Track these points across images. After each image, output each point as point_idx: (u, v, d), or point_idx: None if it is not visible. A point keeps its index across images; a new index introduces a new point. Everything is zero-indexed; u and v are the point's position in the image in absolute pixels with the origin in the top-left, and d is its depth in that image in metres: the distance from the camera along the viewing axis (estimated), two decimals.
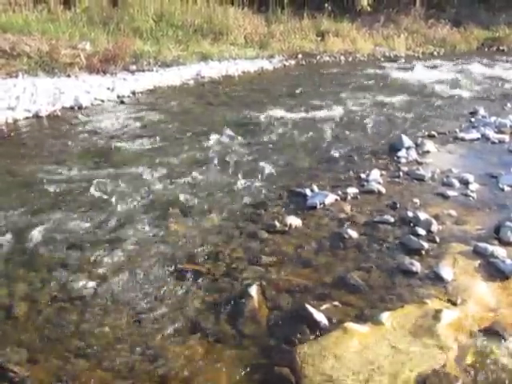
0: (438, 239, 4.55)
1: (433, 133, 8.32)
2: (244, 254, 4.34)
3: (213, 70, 13.85)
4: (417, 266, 4.05)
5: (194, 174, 6.14)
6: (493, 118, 9.37)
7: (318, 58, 18.16)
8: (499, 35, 24.93)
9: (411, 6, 24.19)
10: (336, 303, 3.63)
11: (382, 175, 6.19)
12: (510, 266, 4.05)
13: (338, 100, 10.99)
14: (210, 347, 3.19)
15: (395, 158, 6.94)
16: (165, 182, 5.86)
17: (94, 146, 7.21)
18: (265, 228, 4.80)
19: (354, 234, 4.66)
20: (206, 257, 4.27)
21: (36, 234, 4.53)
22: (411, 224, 4.84)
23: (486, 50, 23.89)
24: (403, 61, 18.88)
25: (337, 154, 7.12)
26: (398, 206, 5.31)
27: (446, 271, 3.97)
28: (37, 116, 8.51)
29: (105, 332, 3.31)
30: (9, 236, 4.48)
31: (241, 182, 5.93)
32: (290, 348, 3.15)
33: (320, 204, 5.30)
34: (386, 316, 3.40)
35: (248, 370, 2.99)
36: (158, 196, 5.48)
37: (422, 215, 4.90)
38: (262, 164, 6.57)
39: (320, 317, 3.40)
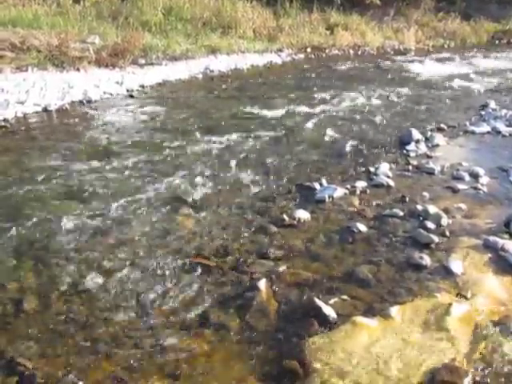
0: (447, 233, 4.53)
1: (442, 126, 8.28)
2: (252, 247, 4.34)
3: (221, 64, 13.84)
4: (426, 260, 4.04)
5: (203, 168, 6.14)
6: (503, 111, 9.33)
7: (327, 51, 18.10)
8: (509, 28, 24.80)
9: None
10: (345, 297, 3.62)
11: (391, 169, 6.17)
12: None
13: (347, 93, 10.94)
14: (218, 341, 3.19)
15: (404, 151, 6.92)
16: (173, 175, 5.86)
17: (102, 139, 7.21)
18: (273, 222, 4.79)
19: (362, 227, 4.64)
20: (215, 251, 4.27)
21: (45, 227, 4.54)
22: (421, 218, 4.82)
23: (497, 42, 23.78)
24: (413, 54, 18.84)
25: (346, 148, 7.09)
26: (408, 199, 5.29)
27: (456, 265, 3.95)
28: (46, 110, 8.52)
29: (114, 326, 3.32)
30: (18, 230, 4.49)
31: (249, 176, 5.92)
32: (299, 342, 3.14)
33: (329, 198, 5.29)
34: (395, 310, 3.39)
35: (257, 363, 2.99)
36: (167, 190, 5.48)
37: (432, 209, 4.88)
38: (270, 158, 6.56)
39: (329, 311, 3.39)
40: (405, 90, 11.54)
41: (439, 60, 17.07)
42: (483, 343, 3.13)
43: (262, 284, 3.72)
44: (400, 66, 15.50)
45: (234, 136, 7.47)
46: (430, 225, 4.64)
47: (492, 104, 9.97)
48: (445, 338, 3.16)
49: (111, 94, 9.97)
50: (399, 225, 4.75)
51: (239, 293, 3.69)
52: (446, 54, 18.68)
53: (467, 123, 8.51)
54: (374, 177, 5.87)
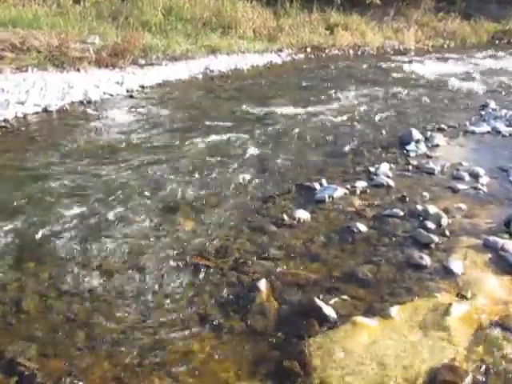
0: (447, 233, 4.52)
1: (442, 126, 8.28)
2: (252, 247, 4.34)
3: (221, 64, 13.84)
4: (426, 260, 4.04)
5: (203, 168, 6.14)
6: (503, 111, 9.33)
7: (327, 51, 18.09)
8: (509, 28, 24.79)
9: None
10: (345, 297, 3.62)
11: (391, 169, 6.16)
12: None
13: (347, 93, 10.95)
14: (218, 341, 3.19)
15: (404, 151, 6.92)
16: (173, 176, 5.86)
17: (102, 140, 7.21)
18: (273, 222, 4.79)
19: (362, 227, 4.64)
20: (215, 251, 4.27)
21: (45, 228, 4.54)
22: (421, 218, 4.82)
23: (497, 42, 23.78)
24: (413, 54, 18.84)
25: (346, 148, 7.10)
26: (408, 199, 5.29)
27: (456, 265, 3.95)
28: (46, 110, 8.51)
29: (114, 326, 3.32)
30: (18, 230, 4.49)
31: (249, 176, 5.92)
32: (299, 342, 3.14)
33: (329, 198, 5.29)
34: (395, 310, 3.39)
35: (257, 363, 2.99)
36: (167, 190, 5.48)
37: (432, 209, 4.87)
38: (270, 158, 6.57)
39: (329, 311, 3.39)
40: (404, 90, 11.53)
41: (439, 60, 17.07)
42: (483, 343, 3.13)
43: (262, 284, 3.72)
44: (400, 65, 15.49)
45: (234, 136, 7.47)
46: (430, 225, 4.63)
47: (492, 104, 9.97)
48: (445, 337, 3.16)
49: (111, 95, 9.97)
50: (399, 225, 4.75)
51: (239, 293, 3.69)
52: (445, 54, 18.67)
53: (467, 123, 8.50)
54: (374, 177, 5.87)
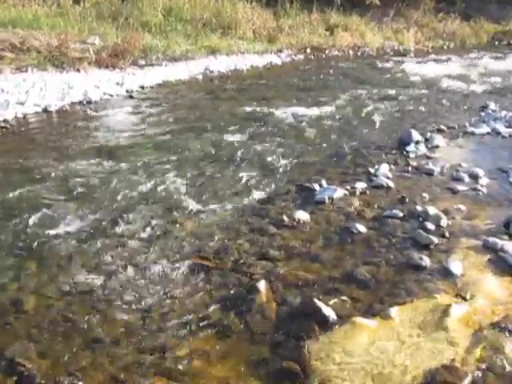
0: (447, 234, 4.53)
1: (442, 127, 8.27)
2: (252, 248, 4.34)
3: (221, 65, 13.87)
4: (426, 261, 4.04)
5: (202, 168, 6.15)
6: (503, 113, 9.33)
7: (327, 52, 18.12)
8: (509, 29, 24.82)
9: (421, 0, 24.04)
10: (344, 298, 3.62)
11: (390, 170, 6.16)
12: None
13: (347, 94, 10.96)
14: (218, 342, 3.19)
15: (404, 152, 6.91)
16: (173, 176, 5.86)
17: (102, 140, 7.21)
18: (273, 223, 4.79)
19: (362, 228, 4.64)
20: (215, 251, 4.27)
21: (44, 228, 4.55)
22: (420, 219, 4.82)
23: (496, 43, 23.79)
24: (412, 55, 18.84)
25: (345, 149, 7.10)
26: (407, 200, 5.29)
27: (456, 266, 3.95)
28: (46, 111, 8.53)
29: (113, 326, 3.32)
30: (18, 230, 4.49)
31: (249, 177, 5.92)
32: (299, 343, 3.15)
33: (329, 199, 5.29)
34: (395, 311, 3.39)
35: (256, 364, 2.99)
36: (167, 191, 5.48)
37: (432, 210, 4.87)
38: (270, 159, 6.57)
39: (328, 311, 3.39)
40: (404, 91, 11.55)
41: (439, 61, 17.08)
42: (483, 344, 3.13)
43: (262, 285, 3.72)
44: (399, 66, 15.51)
45: (234, 137, 7.48)
46: (430, 226, 4.64)
47: (492, 105, 9.97)
48: (444, 338, 3.16)
49: (111, 95, 9.98)
50: (399, 226, 4.75)
51: (239, 294, 3.69)
52: (445, 55, 18.69)
53: (467, 124, 8.50)
54: (374, 178, 5.87)
